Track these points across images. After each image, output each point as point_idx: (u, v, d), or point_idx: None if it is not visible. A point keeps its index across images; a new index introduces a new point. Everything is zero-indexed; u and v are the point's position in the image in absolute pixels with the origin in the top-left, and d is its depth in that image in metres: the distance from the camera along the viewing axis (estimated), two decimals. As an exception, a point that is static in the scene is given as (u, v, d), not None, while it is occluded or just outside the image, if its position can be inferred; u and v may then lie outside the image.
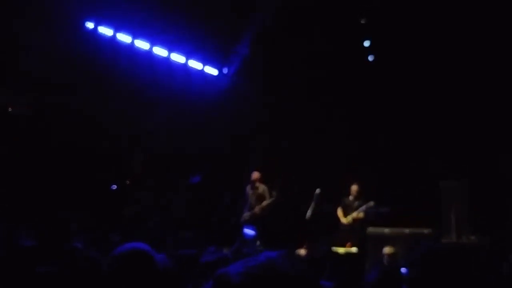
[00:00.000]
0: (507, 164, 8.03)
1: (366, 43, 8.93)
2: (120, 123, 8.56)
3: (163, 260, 2.23)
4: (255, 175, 8.22)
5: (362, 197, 7.94)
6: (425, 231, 7.31)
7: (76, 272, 2.59)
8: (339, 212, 8.01)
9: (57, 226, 3.67)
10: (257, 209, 8.12)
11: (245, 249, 6.95)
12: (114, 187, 8.57)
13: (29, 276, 2.45)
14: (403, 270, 5.67)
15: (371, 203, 7.77)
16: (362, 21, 8.59)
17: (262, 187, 8.24)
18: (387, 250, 6.05)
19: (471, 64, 8.15)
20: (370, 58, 9.03)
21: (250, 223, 8.09)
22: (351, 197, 8.02)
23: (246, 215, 8.20)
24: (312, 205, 7.86)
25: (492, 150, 8.27)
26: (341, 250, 7.03)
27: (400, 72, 8.71)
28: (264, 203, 8.12)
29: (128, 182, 8.65)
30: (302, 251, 6.28)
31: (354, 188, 7.98)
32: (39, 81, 7.65)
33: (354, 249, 7.18)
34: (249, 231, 7.84)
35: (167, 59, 8.97)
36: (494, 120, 8.22)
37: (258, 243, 7.70)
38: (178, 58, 9.13)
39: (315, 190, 7.98)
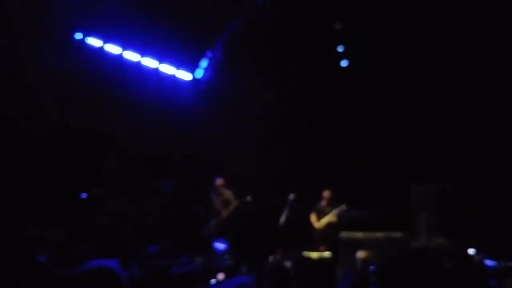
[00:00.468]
0: (476, 169, 8.30)
1: (340, 49, 9.08)
2: (91, 128, 8.38)
3: (131, 275, 2.17)
4: (219, 181, 8.28)
5: (334, 202, 8.06)
6: (397, 235, 7.44)
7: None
8: (313, 217, 8.11)
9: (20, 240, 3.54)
10: (224, 213, 8.15)
11: (216, 263, 6.94)
12: (84, 195, 8.35)
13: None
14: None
15: (343, 207, 7.91)
16: (337, 26, 8.69)
17: (227, 193, 8.27)
18: (360, 254, 6.11)
19: (442, 71, 8.38)
20: (343, 63, 9.18)
21: (218, 230, 8.12)
22: (323, 202, 8.14)
23: (213, 222, 8.22)
24: (286, 210, 7.91)
25: (461, 156, 8.50)
26: (314, 254, 7.07)
27: (372, 78, 8.87)
28: (231, 207, 8.15)
29: (99, 190, 8.45)
30: (276, 257, 6.31)
31: (326, 193, 8.11)
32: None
33: (327, 254, 7.25)
34: (220, 245, 7.83)
35: (138, 64, 8.87)
36: (464, 128, 8.45)
37: (228, 256, 7.72)
38: (150, 62, 9.03)
39: (288, 196, 8.08)
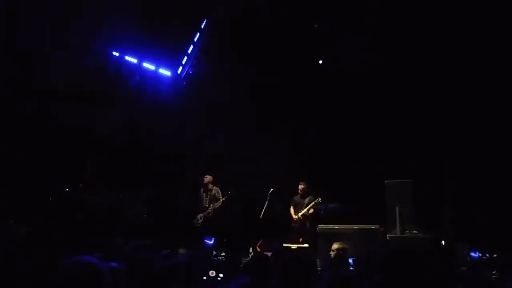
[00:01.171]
0: (446, 166, 8.64)
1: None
2: (72, 124, 8.37)
3: (113, 270, 2.20)
4: (208, 178, 8.62)
5: (310, 194, 8.29)
6: (373, 227, 7.67)
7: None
8: (291, 210, 8.32)
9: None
10: (210, 209, 8.42)
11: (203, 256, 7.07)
12: (66, 190, 8.33)
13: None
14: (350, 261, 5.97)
15: (319, 200, 8.13)
16: (316, 25, 8.86)
17: (215, 189, 8.59)
18: (335, 246, 6.22)
19: (414, 71, 8.67)
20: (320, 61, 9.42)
21: (204, 224, 8.30)
22: (299, 195, 8.36)
23: (200, 216, 8.39)
24: (266, 204, 8.08)
25: (433, 153, 8.83)
26: (293, 246, 7.25)
27: (349, 75, 9.12)
28: (217, 204, 8.44)
29: (80, 185, 8.44)
30: (257, 248, 6.45)
31: (301, 186, 8.34)
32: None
33: (306, 245, 7.43)
34: (208, 241, 8.13)
35: (120, 61, 8.92)
36: (437, 127, 8.77)
37: (215, 252, 7.98)
38: (131, 59, 9.09)
39: (269, 190, 8.27)
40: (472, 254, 7.31)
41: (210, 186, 8.61)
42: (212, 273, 5.04)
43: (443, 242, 7.69)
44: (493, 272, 6.05)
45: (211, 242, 8.19)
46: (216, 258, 7.73)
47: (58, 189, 8.11)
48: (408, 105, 8.86)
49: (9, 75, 7.68)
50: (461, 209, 8.36)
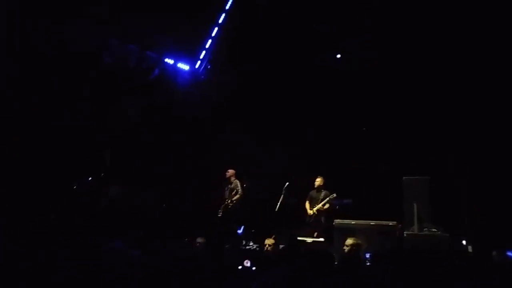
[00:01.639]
0: (462, 163, 8.51)
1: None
2: (91, 116, 8.52)
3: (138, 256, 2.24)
4: (230, 172, 8.89)
5: (326, 189, 8.27)
6: (390, 223, 7.60)
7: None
8: (306, 205, 8.32)
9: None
10: (229, 201, 8.68)
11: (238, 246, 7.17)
12: (84, 182, 8.49)
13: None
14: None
15: (333, 195, 8.10)
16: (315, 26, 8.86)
17: (235, 182, 8.83)
18: (349, 241, 6.14)
19: (430, 67, 8.56)
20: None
21: (224, 216, 8.48)
22: (315, 190, 8.34)
23: (221, 208, 8.71)
24: (281, 198, 8.09)
25: (451, 150, 8.71)
26: (308, 240, 7.25)
27: (365, 71, 9.06)
28: (235, 197, 8.61)
29: (101, 174, 8.60)
30: (271, 241, 6.46)
31: (317, 181, 8.33)
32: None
33: (321, 239, 7.42)
34: (239, 230, 8.44)
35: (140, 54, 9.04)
36: (454, 124, 8.64)
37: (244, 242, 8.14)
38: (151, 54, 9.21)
39: (284, 184, 8.28)
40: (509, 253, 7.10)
41: (232, 179, 8.88)
42: (247, 262, 5.02)
43: (464, 242, 7.56)
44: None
45: (240, 231, 8.32)
46: (245, 248, 7.83)
47: (80, 178, 8.28)
48: (427, 99, 8.75)
49: (33, 69, 7.84)
50: (480, 207, 8.21)
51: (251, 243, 8.00)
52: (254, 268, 4.24)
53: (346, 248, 6.02)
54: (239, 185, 8.80)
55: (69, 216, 7.07)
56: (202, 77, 9.70)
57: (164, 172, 9.18)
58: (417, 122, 8.98)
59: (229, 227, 8.46)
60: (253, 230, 8.61)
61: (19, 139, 7.64)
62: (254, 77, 9.48)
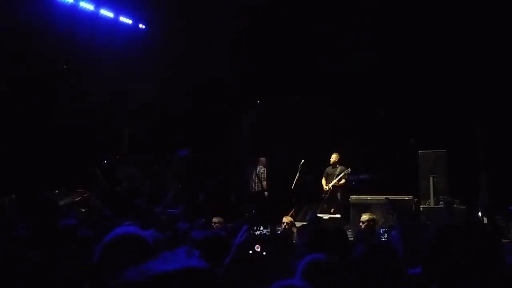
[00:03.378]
0: (480, 135, 8.39)
1: None
2: (105, 99, 8.61)
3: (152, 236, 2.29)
4: (261, 160, 9.25)
5: (341, 165, 8.30)
6: (406, 197, 7.63)
7: (69, 253, 2.66)
8: (323, 181, 8.40)
9: (47, 205, 3.64)
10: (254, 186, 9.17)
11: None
12: (103, 162, 8.67)
13: (23, 262, 2.48)
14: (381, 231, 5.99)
15: (348, 170, 8.15)
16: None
17: (262, 169, 9.25)
18: (364, 217, 6.23)
19: (448, 40, 8.36)
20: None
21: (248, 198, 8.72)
22: (331, 166, 8.38)
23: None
24: (297, 175, 8.16)
25: (468, 122, 8.59)
26: (325, 216, 7.35)
27: (379, 47, 8.89)
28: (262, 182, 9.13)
29: (117, 157, 8.76)
30: (289, 218, 6.58)
31: (333, 157, 8.36)
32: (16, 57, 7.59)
33: (337, 216, 7.51)
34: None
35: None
36: (470, 94, 8.49)
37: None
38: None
39: (300, 162, 8.33)
40: None
41: (260, 166, 9.20)
42: (257, 248, 5.07)
43: (479, 214, 7.56)
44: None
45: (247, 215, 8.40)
46: (256, 233, 7.90)
47: (97, 161, 8.44)
48: (444, 72, 8.60)
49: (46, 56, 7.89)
50: (498, 179, 8.14)
51: (261, 228, 8.11)
52: (264, 253, 4.31)
53: (362, 225, 6.10)
54: (265, 172, 9.18)
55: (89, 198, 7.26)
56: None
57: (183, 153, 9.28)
58: (432, 95, 8.86)
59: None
60: (262, 213, 8.66)
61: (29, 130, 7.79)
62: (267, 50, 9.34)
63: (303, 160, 8.27)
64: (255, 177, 9.14)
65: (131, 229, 2.10)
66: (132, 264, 1.09)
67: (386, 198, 7.68)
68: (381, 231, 6.26)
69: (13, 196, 5.62)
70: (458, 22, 7.95)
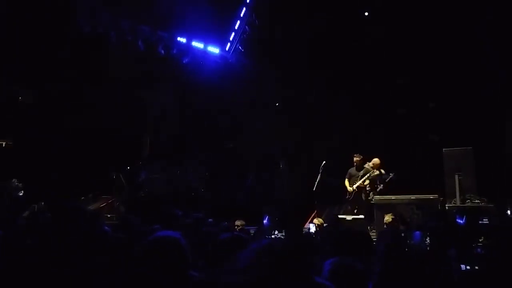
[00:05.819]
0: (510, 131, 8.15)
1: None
2: (127, 107, 8.76)
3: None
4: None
5: (365, 166, 8.16)
6: (431, 197, 7.46)
7: (108, 255, 2.73)
8: (346, 182, 8.28)
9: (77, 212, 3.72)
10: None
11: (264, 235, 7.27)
12: (127, 169, 8.77)
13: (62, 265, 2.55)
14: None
15: (374, 172, 7.99)
16: None
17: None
18: (387, 218, 6.09)
19: (472, 33, 8.18)
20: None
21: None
22: (355, 167, 8.27)
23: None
24: (319, 177, 8.08)
25: (496, 118, 8.36)
26: (348, 217, 7.26)
27: (404, 42, 8.75)
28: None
29: (140, 163, 8.87)
30: (320, 220, 6.56)
31: (356, 158, 8.24)
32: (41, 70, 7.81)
33: (361, 216, 7.40)
34: (265, 221, 8.33)
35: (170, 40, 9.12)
36: (497, 89, 8.26)
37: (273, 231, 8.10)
38: (180, 39, 9.25)
39: (321, 163, 8.24)
40: None
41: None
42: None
43: (509, 212, 7.33)
44: None
45: (266, 221, 8.32)
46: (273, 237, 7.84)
47: (119, 168, 8.56)
48: (464, 67, 8.41)
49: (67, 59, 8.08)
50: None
51: (276, 232, 8.01)
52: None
53: (385, 226, 6.01)
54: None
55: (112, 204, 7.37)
56: (232, 59, 9.66)
57: (202, 157, 9.34)
58: (457, 92, 8.66)
59: None
60: (277, 218, 8.56)
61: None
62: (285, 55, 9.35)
63: (324, 162, 8.19)
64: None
65: (170, 233, 2.20)
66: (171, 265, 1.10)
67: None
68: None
69: (42, 203, 5.73)
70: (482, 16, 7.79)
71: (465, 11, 7.95)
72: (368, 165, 8.11)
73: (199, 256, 3.03)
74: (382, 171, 7.97)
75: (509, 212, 7.44)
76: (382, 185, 7.94)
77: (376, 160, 8.07)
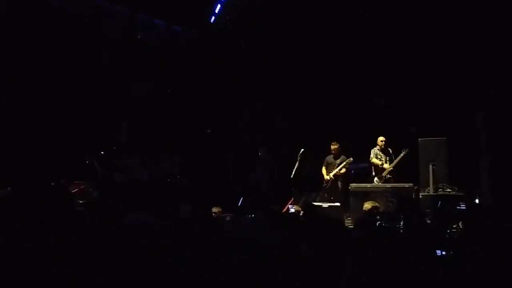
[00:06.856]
0: (482, 121, 8.33)
1: None
2: (108, 91, 8.59)
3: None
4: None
5: (342, 154, 8.28)
6: (406, 185, 7.61)
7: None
8: (323, 170, 8.37)
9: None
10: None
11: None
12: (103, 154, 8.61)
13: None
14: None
15: (350, 160, 8.12)
16: None
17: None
18: (366, 205, 6.11)
19: (446, 26, 8.28)
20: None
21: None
22: (332, 155, 8.33)
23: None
24: (297, 164, 8.12)
25: (469, 108, 8.52)
26: (324, 205, 7.34)
27: (382, 36, 8.81)
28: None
29: (114, 148, 8.72)
30: (289, 208, 6.58)
31: (333, 146, 8.32)
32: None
33: (337, 204, 7.49)
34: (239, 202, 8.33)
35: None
36: (470, 79, 8.41)
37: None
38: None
39: (299, 151, 8.28)
40: None
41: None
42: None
43: (477, 200, 7.56)
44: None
45: (240, 203, 8.30)
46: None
47: (94, 152, 8.40)
48: (439, 59, 8.53)
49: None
50: (499, 166, 8.10)
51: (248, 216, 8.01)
52: None
53: (365, 213, 6.06)
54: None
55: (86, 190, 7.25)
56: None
57: (182, 143, 9.24)
58: (432, 82, 8.79)
59: None
60: (250, 199, 8.55)
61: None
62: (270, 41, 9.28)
63: (302, 149, 8.24)
64: None
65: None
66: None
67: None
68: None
69: (9, 188, 5.59)
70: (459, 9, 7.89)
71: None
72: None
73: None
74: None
75: (477, 200, 7.68)
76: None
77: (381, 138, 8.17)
